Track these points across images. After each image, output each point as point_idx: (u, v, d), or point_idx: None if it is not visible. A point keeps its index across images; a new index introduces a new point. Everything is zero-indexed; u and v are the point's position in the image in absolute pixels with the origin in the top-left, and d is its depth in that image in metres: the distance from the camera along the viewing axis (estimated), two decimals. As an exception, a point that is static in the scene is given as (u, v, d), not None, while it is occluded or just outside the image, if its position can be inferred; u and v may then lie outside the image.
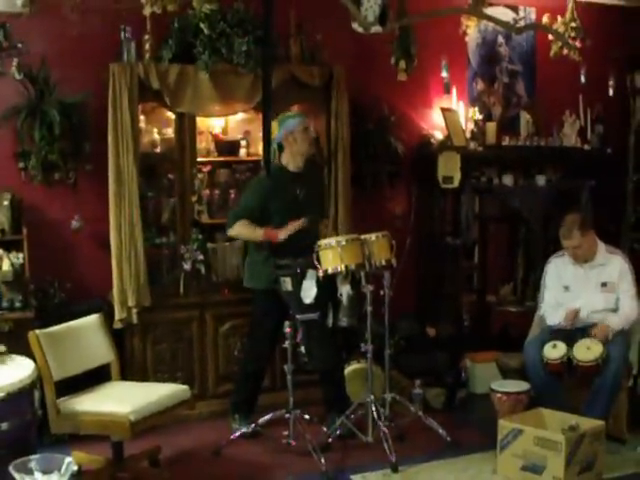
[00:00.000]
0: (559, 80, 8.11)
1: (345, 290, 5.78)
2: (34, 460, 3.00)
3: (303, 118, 6.30)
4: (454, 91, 7.86)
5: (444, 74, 7.72)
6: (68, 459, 3.02)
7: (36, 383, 4.87)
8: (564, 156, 8.22)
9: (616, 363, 5.70)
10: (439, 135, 7.78)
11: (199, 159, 6.76)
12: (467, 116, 7.93)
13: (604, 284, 6.03)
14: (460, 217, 7.67)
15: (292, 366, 5.82)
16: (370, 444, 5.86)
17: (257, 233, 6.07)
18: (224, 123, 7.14)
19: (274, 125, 6.19)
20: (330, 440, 5.89)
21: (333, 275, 5.67)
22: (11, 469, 2.94)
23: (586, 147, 8.31)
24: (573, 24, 7.04)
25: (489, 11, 6.71)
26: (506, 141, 7.96)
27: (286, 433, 5.84)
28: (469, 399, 7.12)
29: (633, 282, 6.06)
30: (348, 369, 6.63)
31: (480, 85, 8.23)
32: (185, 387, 5.55)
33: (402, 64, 6.82)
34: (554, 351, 5.81)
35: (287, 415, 5.84)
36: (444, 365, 7.10)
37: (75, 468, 3.11)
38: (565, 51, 6.95)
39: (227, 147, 7.03)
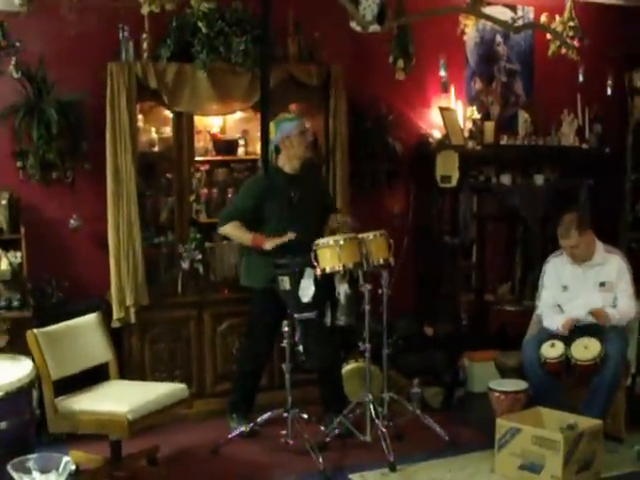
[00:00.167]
0: (557, 79, 8.11)
1: (343, 289, 5.78)
2: (32, 459, 3.00)
3: (300, 121, 6.29)
4: (452, 90, 7.85)
5: (442, 73, 7.71)
6: (66, 458, 3.02)
7: (34, 382, 4.87)
8: (562, 155, 8.21)
9: (614, 362, 5.70)
10: (437, 134, 7.78)
11: (197, 158, 6.77)
12: (465, 115, 7.93)
13: (602, 284, 6.02)
14: (458, 216, 7.67)
15: (290, 365, 5.82)
16: (368, 443, 5.86)
17: (246, 237, 6.09)
18: (222, 122, 7.13)
19: (271, 126, 6.19)
20: (328, 439, 5.89)
21: (331, 274, 5.67)
22: (9, 468, 2.94)
23: (584, 146, 8.30)
24: (571, 23, 7.04)
25: (487, 10, 6.71)
26: (504, 140, 7.96)
27: (284, 432, 5.84)
28: (467, 398, 7.12)
29: (631, 281, 6.06)
30: (346, 368, 6.63)
31: (478, 84, 8.23)
32: (183, 386, 5.55)
33: (400, 63, 6.81)
34: (552, 350, 5.82)
35: (285, 414, 5.84)
36: (442, 364, 7.10)
37: (73, 467, 3.12)
38: (563, 50, 6.95)
39: (225, 146, 7.03)
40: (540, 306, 6.27)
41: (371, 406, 5.86)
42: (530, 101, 8.43)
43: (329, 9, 6.16)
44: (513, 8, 8.20)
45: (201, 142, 6.93)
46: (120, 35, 6.35)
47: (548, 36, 7.14)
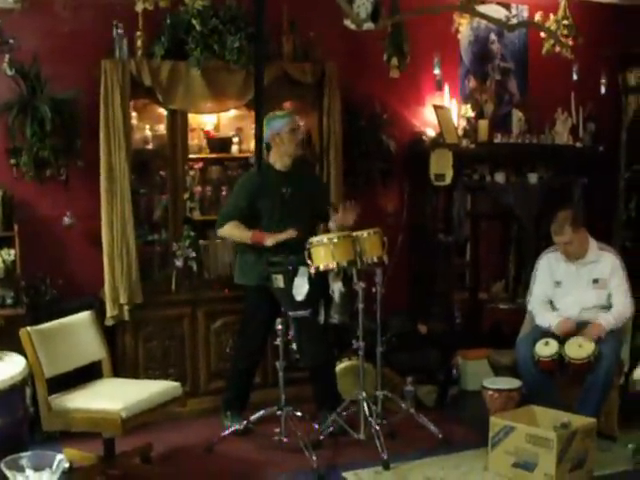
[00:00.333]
0: (551, 78, 8.11)
1: (337, 287, 5.78)
2: (25, 457, 2.99)
3: (291, 118, 6.27)
4: (446, 88, 7.85)
5: (436, 71, 7.70)
6: (59, 456, 3.02)
7: (27, 380, 4.87)
8: (556, 154, 8.22)
9: (608, 361, 5.71)
10: (431, 132, 7.78)
11: (191, 156, 6.77)
12: (459, 113, 7.93)
13: (595, 281, 6.03)
14: (452, 214, 7.68)
15: (284, 363, 5.82)
16: (362, 441, 5.86)
17: (246, 235, 6.07)
18: (216, 120, 7.13)
19: (265, 123, 6.18)
20: (322, 437, 5.89)
21: (325, 272, 5.67)
22: (2, 466, 2.93)
23: (578, 145, 8.32)
24: (565, 22, 7.05)
25: (482, 8, 6.71)
26: (498, 138, 7.96)
27: (278, 430, 5.84)
28: (461, 396, 7.13)
29: (625, 279, 6.07)
30: (340, 366, 6.63)
31: (472, 82, 8.23)
32: (177, 384, 5.54)
33: (394, 61, 6.82)
34: (546, 348, 5.82)
35: (279, 412, 5.84)
36: (436, 362, 7.11)
37: (66, 465, 3.10)
38: (557, 49, 6.96)
39: (219, 144, 7.02)
40: (532, 301, 6.27)
41: (365, 404, 5.86)
42: (524, 99, 8.44)
43: (323, 7, 6.17)
44: (507, 6, 8.20)
45: (195, 140, 6.92)
46: (114, 32, 6.34)
47: (542, 34, 7.15)
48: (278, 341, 5.78)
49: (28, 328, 5.15)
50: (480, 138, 7.88)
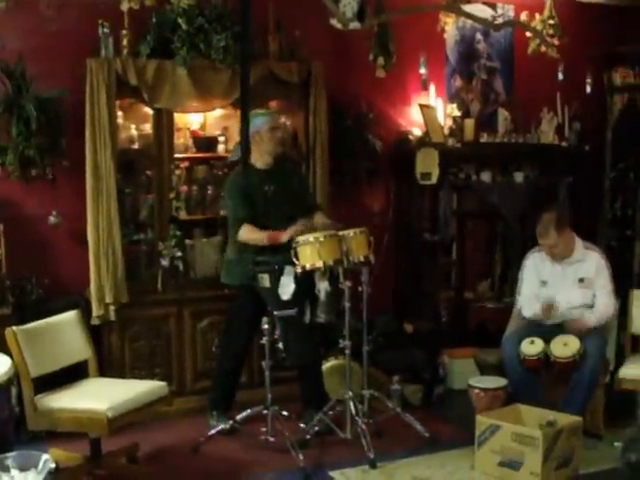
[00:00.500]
0: (537, 77, 8.12)
1: (323, 286, 5.77)
2: (11, 457, 2.99)
3: (271, 117, 6.28)
4: (432, 88, 7.86)
5: (422, 71, 7.70)
6: (45, 456, 3.02)
7: (13, 380, 4.86)
8: (542, 153, 8.24)
9: (593, 359, 5.73)
10: (417, 132, 7.79)
11: (177, 155, 6.75)
12: (445, 113, 7.94)
13: (581, 280, 6.05)
14: (438, 213, 7.68)
15: (270, 362, 5.82)
16: (348, 440, 5.87)
17: (261, 237, 5.98)
18: (202, 119, 7.12)
19: (249, 122, 6.18)
20: (308, 437, 5.89)
21: (311, 271, 5.66)
22: (-12, 466, 2.93)
23: (564, 144, 8.33)
24: (551, 21, 7.08)
25: (467, 8, 6.72)
26: (484, 138, 7.97)
27: (264, 429, 5.84)
28: (447, 395, 7.14)
29: (609, 278, 6.08)
30: (326, 365, 6.63)
31: (458, 82, 8.25)
32: (163, 384, 5.54)
33: (380, 60, 6.84)
34: (531, 347, 5.83)
35: (265, 411, 5.84)
36: (422, 361, 7.12)
37: (52, 465, 3.10)
38: (543, 48, 6.99)
39: (205, 143, 7.01)
40: (520, 300, 6.29)
41: (351, 403, 5.86)
42: (510, 99, 8.46)
43: (310, 6, 6.16)
44: (493, 6, 8.19)
45: (181, 139, 6.91)
46: (100, 31, 6.32)
47: (528, 34, 7.17)
48: (264, 340, 5.78)
49: (14, 328, 5.14)
50: (466, 137, 7.89)
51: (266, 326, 5.75)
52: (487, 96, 8.41)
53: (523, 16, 7.39)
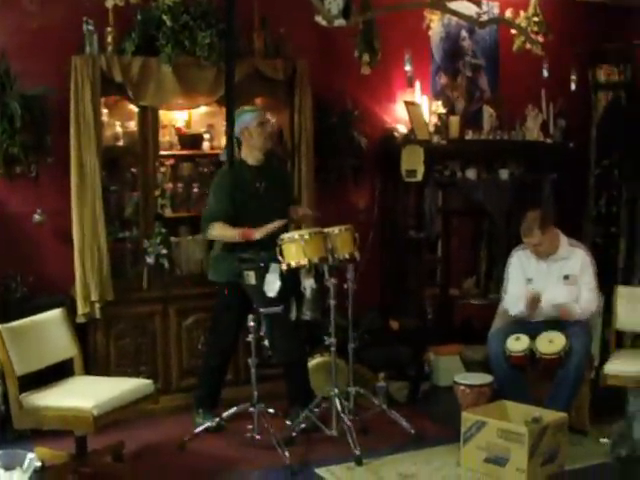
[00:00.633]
0: (522, 74, 8.14)
1: (308, 284, 5.77)
2: (-4, 456, 2.99)
3: (259, 112, 6.28)
4: (417, 85, 7.86)
5: (407, 68, 7.71)
6: (30, 455, 3.01)
7: (-3, 378, 4.84)
8: (527, 150, 8.27)
9: (578, 356, 5.74)
10: (402, 129, 7.79)
11: (162, 153, 6.73)
12: (430, 110, 7.94)
13: (566, 277, 6.06)
14: (423, 211, 7.68)
15: (256, 360, 5.81)
16: (334, 437, 5.87)
17: (233, 234, 6.00)
18: (187, 116, 7.11)
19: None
20: (294, 434, 5.88)
21: (296, 269, 5.66)
22: (-27, 465, 2.92)
23: (548, 141, 8.35)
24: (536, 19, 7.10)
25: (453, 5, 6.73)
26: (469, 135, 7.99)
27: (250, 427, 5.83)
28: (433, 392, 7.15)
29: (594, 275, 6.10)
30: (312, 363, 6.63)
31: (443, 79, 8.25)
32: (148, 381, 5.52)
33: (366, 58, 6.85)
34: (517, 344, 5.85)
35: (251, 409, 5.83)
36: (407, 358, 7.13)
37: (38, 464, 3.09)
38: (528, 46, 7.01)
39: (190, 140, 7.00)
40: (506, 299, 6.29)
41: (337, 400, 5.86)
42: (495, 96, 8.46)
43: (295, 3, 6.18)
44: (478, 3, 8.19)
45: (166, 136, 6.89)
46: (84, 28, 6.29)
47: (513, 31, 7.19)
48: (250, 338, 5.77)
49: (-1, 326, 5.13)
50: (451, 134, 7.90)
51: (252, 323, 5.74)
52: (472, 93, 8.42)
53: (508, 13, 7.41)
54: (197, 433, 5.96)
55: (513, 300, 6.19)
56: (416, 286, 7.81)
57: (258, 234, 5.88)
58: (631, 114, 8.36)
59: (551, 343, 5.77)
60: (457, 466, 5.51)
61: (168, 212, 6.77)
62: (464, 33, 8.30)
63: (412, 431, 5.97)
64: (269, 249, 5.65)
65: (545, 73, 7.76)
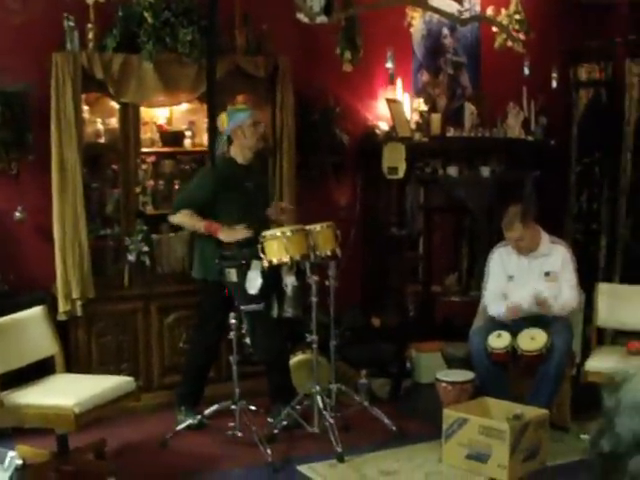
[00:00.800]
0: (503, 72, 8.14)
1: (290, 281, 5.77)
2: (-23, 454, 2.97)
3: (252, 112, 6.29)
4: (399, 82, 7.86)
5: (389, 65, 7.69)
6: (11, 453, 3.00)
7: (-22, 376, 4.82)
8: (508, 147, 8.29)
9: (560, 352, 5.76)
10: (384, 126, 7.79)
11: (143, 150, 6.72)
12: (412, 107, 7.94)
13: (547, 273, 6.08)
14: (405, 208, 7.70)
15: (237, 357, 5.81)
16: (316, 434, 5.88)
17: (198, 225, 6.04)
18: (169, 113, 7.09)
19: (223, 116, 6.17)
20: (276, 431, 5.89)
21: (278, 266, 5.67)
22: (-46, 464, 2.91)
23: (530, 138, 8.37)
24: (517, 16, 7.10)
25: (434, 2, 6.75)
26: (451, 132, 8.00)
27: (232, 424, 5.83)
28: (414, 389, 7.16)
29: (574, 272, 6.13)
30: (293, 360, 6.63)
31: (425, 76, 8.26)
32: (130, 379, 5.52)
33: (347, 55, 6.84)
34: (499, 340, 5.86)
35: (233, 406, 5.84)
36: (389, 355, 7.14)
37: (19, 462, 3.08)
38: (509, 43, 7.01)
39: (172, 138, 6.98)
40: (486, 295, 6.31)
41: (319, 397, 5.87)
42: (476, 93, 8.48)
43: (277, 0, 6.17)
44: (460, 1, 8.22)
45: (147, 133, 6.88)
46: (65, 24, 6.26)
47: (494, 29, 7.19)
48: (232, 335, 5.77)
49: (-21, 324, 5.10)
50: (433, 131, 7.91)
51: (233, 321, 5.74)
52: (454, 90, 8.43)
53: (489, 11, 7.41)
54: (179, 431, 5.96)
55: (492, 299, 6.20)
56: (398, 283, 7.81)
57: (224, 235, 5.90)
58: (612, 112, 8.38)
59: (533, 340, 5.78)
60: (439, 463, 5.53)
61: (149, 209, 6.76)
62: (446, 31, 8.30)
63: (394, 428, 5.98)
64: (251, 246, 5.64)
65: (526, 71, 7.76)
